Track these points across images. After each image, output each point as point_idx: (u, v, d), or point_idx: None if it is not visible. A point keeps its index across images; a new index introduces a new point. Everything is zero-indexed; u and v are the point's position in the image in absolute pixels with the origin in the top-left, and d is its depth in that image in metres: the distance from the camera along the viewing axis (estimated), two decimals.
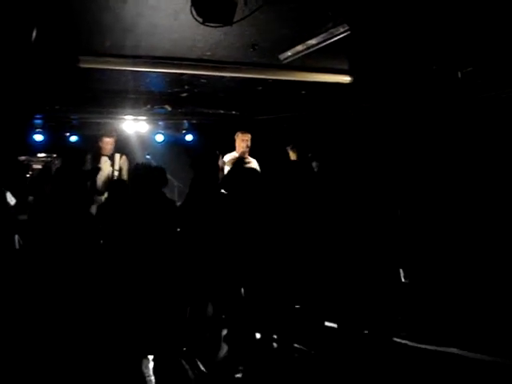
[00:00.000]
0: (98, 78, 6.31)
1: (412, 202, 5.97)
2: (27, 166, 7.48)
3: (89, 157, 7.17)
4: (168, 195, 5.55)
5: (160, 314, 4.85)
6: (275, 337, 5.21)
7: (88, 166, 7.01)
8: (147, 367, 4.81)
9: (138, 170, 5.35)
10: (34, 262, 5.00)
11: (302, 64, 5.96)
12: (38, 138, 8.35)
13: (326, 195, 5.52)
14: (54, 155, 7.76)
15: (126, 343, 4.82)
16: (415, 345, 5.16)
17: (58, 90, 6.94)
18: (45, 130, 8.45)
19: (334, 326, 5.42)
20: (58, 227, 5.03)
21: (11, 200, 5.82)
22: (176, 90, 7.21)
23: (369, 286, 5.30)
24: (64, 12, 4.35)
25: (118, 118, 8.82)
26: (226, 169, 6.83)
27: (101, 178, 7.17)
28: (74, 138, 8.39)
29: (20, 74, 5.87)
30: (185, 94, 7.44)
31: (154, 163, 7.57)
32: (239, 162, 5.98)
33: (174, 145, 9.38)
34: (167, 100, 7.91)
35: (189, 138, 9.36)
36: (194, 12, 3.89)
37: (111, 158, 7.43)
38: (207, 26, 4.04)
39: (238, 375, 4.53)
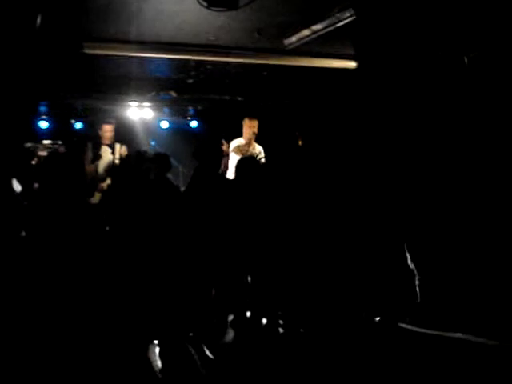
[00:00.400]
0: (103, 64, 6.31)
1: (419, 190, 5.95)
2: (32, 153, 7.46)
3: (89, 145, 7.14)
4: (173, 181, 5.56)
5: (166, 300, 4.87)
6: (281, 322, 5.23)
7: (89, 154, 6.97)
8: (153, 352, 4.84)
9: (141, 157, 5.36)
10: (38, 247, 5.02)
11: (307, 49, 5.94)
12: (43, 124, 8.36)
13: (331, 182, 5.51)
14: (60, 142, 7.76)
15: (132, 328, 4.84)
16: (419, 330, 5.16)
17: (63, 77, 6.93)
18: (50, 117, 8.46)
19: (339, 311, 5.45)
20: (58, 215, 5.04)
21: (17, 187, 5.83)
22: (181, 76, 7.20)
23: (375, 272, 5.31)
24: None
25: (123, 105, 8.82)
26: (232, 155, 6.82)
27: (102, 165, 7.09)
28: (79, 125, 8.38)
29: (25, 60, 5.86)
30: (190, 80, 7.42)
31: (158, 150, 7.61)
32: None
33: (179, 131, 9.37)
34: (172, 86, 7.90)
35: (194, 124, 9.35)
36: None
37: (111, 146, 7.31)
38: (212, 10, 4.03)
39: (245, 360, 4.55)
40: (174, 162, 8.09)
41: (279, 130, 7.67)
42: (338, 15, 4.79)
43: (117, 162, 7.26)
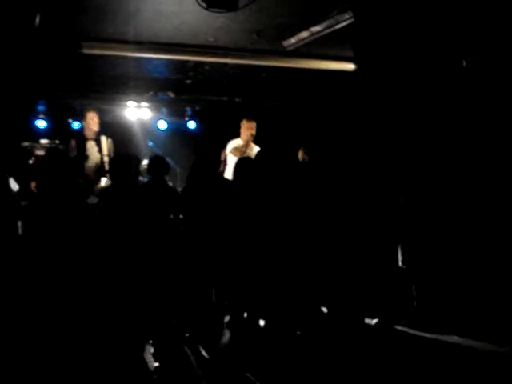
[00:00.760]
0: (101, 64, 6.31)
1: (415, 191, 5.96)
2: (30, 152, 7.43)
3: (73, 142, 6.93)
4: (170, 182, 5.56)
5: (162, 300, 4.87)
6: (277, 324, 5.23)
7: (73, 152, 6.75)
8: (148, 352, 4.84)
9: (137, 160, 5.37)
10: (36, 247, 5.02)
11: (306, 51, 5.95)
12: (41, 124, 8.34)
13: (328, 182, 5.52)
14: (57, 141, 7.73)
15: (128, 328, 4.84)
16: (415, 333, 5.16)
17: (61, 76, 6.93)
18: (47, 116, 8.45)
19: (335, 313, 5.46)
20: (56, 214, 5.04)
21: (14, 186, 5.82)
22: (179, 76, 7.19)
23: (365, 272, 5.32)
24: None
25: (120, 105, 8.81)
26: (229, 156, 6.82)
27: (90, 166, 6.83)
28: (76, 125, 8.36)
29: (23, 59, 5.86)
30: (188, 81, 7.42)
31: (155, 151, 7.58)
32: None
33: (177, 132, 9.36)
34: (170, 86, 7.90)
35: (192, 125, 9.34)
36: None
37: (97, 141, 7.01)
38: (211, 11, 4.04)
39: (241, 361, 4.55)
40: (171, 162, 8.11)
41: (277, 131, 7.69)
42: (336, 17, 4.80)
43: (105, 159, 7.00)
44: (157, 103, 8.93)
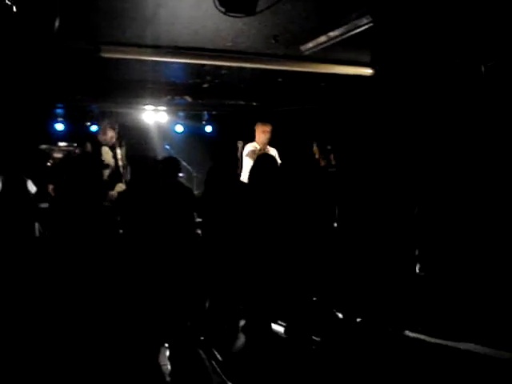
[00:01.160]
0: (119, 67, 6.33)
1: (431, 198, 5.92)
2: (48, 155, 7.49)
3: (88, 146, 6.97)
4: (186, 185, 5.57)
5: (178, 303, 4.88)
6: (293, 328, 5.22)
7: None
8: (163, 355, 4.85)
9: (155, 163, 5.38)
10: (53, 249, 5.05)
11: (323, 56, 5.93)
12: (59, 127, 8.43)
13: (343, 187, 5.51)
14: (75, 144, 7.79)
15: (143, 331, 4.85)
16: (432, 340, 5.12)
17: (80, 80, 6.97)
18: (66, 120, 8.53)
19: (351, 319, 5.44)
20: (76, 216, 5.06)
21: (32, 188, 5.88)
22: (196, 80, 7.21)
23: (378, 279, 5.30)
24: (86, 1, 4.36)
25: (138, 108, 8.86)
26: (246, 159, 6.82)
27: (105, 171, 6.79)
28: (94, 128, 8.42)
29: (42, 63, 5.91)
30: (205, 85, 7.43)
31: (171, 153, 7.58)
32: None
33: (194, 136, 9.40)
34: (188, 91, 7.92)
35: (208, 129, 9.37)
36: (216, 2, 3.89)
37: (112, 148, 7.13)
38: (229, 16, 4.04)
39: (255, 366, 4.55)
40: (187, 166, 8.13)
41: (293, 135, 7.68)
42: (355, 22, 4.77)
43: (120, 164, 7.11)
44: (174, 107, 8.97)
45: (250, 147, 7.00)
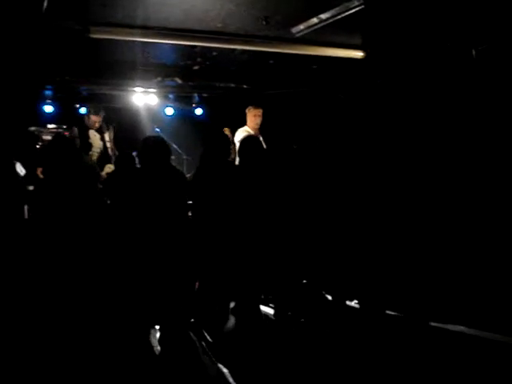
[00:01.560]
0: (109, 48, 6.28)
1: (423, 184, 5.94)
2: (37, 137, 7.45)
3: (75, 130, 7.07)
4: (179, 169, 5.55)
5: (168, 286, 4.88)
6: (282, 310, 5.25)
7: (76, 141, 6.90)
8: (154, 337, 4.86)
9: (146, 143, 5.32)
10: (42, 232, 5.03)
11: (314, 38, 5.91)
12: (48, 109, 8.35)
13: (335, 171, 5.51)
14: (64, 126, 7.75)
15: (133, 313, 4.86)
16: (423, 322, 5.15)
17: (69, 61, 6.91)
18: (55, 101, 8.45)
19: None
20: (62, 200, 5.04)
21: (21, 171, 5.84)
22: (187, 62, 7.16)
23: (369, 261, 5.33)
24: None
25: (127, 90, 8.79)
26: (238, 144, 6.79)
27: (93, 153, 7.08)
28: (83, 110, 8.35)
29: (31, 44, 5.84)
30: (196, 67, 7.39)
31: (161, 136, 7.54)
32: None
33: (184, 118, 9.35)
34: (178, 72, 7.86)
35: (199, 111, 9.32)
36: None
37: (99, 131, 7.30)
38: None
39: (245, 348, 4.57)
40: (177, 149, 8.10)
41: (284, 118, 7.66)
42: (346, 4, 4.76)
43: (108, 145, 7.15)
44: (164, 89, 8.90)
45: (242, 132, 6.95)
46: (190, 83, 8.52)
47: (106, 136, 7.21)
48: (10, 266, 4.88)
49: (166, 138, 5.52)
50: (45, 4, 4.55)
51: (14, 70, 6.81)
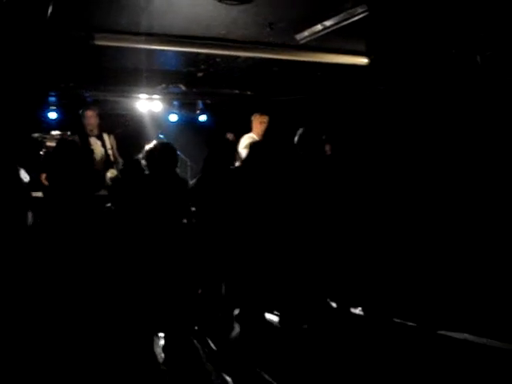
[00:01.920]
0: (113, 55, 6.28)
1: (427, 190, 5.92)
2: (41, 144, 7.45)
3: (76, 138, 7.06)
4: (181, 175, 5.53)
5: (172, 293, 4.87)
6: (286, 317, 5.23)
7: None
8: (158, 345, 4.85)
9: (153, 150, 5.32)
10: (46, 238, 5.03)
11: (318, 45, 5.90)
12: (52, 115, 8.35)
13: (339, 178, 5.49)
14: (68, 132, 7.75)
15: (138, 321, 4.84)
16: (425, 329, 5.12)
17: (73, 68, 6.92)
18: (59, 108, 8.46)
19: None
20: (66, 207, 5.04)
21: (25, 177, 5.84)
22: (191, 69, 7.16)
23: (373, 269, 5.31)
24: None
25: (132, 97, 8.80)
26: (244, 152, 6.78)
27: (96, 159, 6.96)
28: None
29: (35, 50, 5.85)
30: (200, 74, 7.39)
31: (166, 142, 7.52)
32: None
33: (188, 125, 9.35)
34: (182, 79, 7.87)
35: (203, 118, 9.32)
36: None
37: (100, 137, 7.25)
38: (224, 3, 4.01)
39: (249, 355, 4.55)
40: (182, 155, 8.09)
41: (288, 125, 7.65)
42: (350, 11, 4.75)
43: (109, 152, 7.15)
44: (168, 96, 8.91)
45: (247, 139, 6.94)
46: (194, 90, 8.52)
47: (107, 143, 7.21)
48: (12, 271, 4.88)
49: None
50: (49, 11, 4.55)
51: (19, 76, 6.82)
